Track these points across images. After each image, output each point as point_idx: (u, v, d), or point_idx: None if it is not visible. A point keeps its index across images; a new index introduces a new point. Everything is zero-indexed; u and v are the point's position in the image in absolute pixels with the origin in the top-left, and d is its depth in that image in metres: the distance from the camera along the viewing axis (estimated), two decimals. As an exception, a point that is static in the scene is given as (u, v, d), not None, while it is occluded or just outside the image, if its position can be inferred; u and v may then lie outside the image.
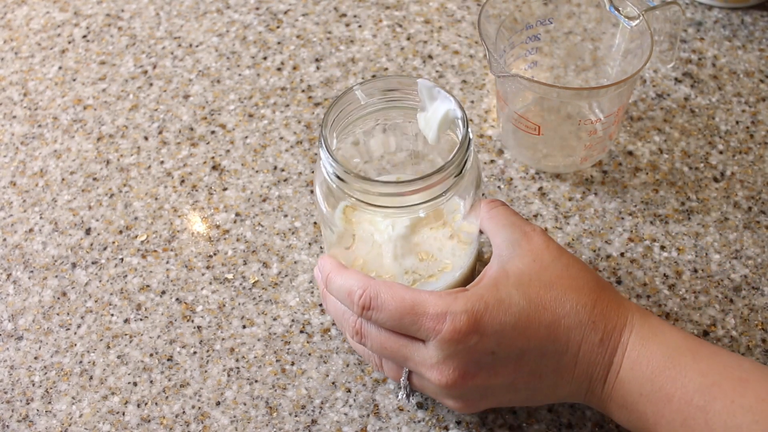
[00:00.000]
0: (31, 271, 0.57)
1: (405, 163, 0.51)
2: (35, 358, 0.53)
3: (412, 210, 0.42)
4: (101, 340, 0.54)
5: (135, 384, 0.52)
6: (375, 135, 0.49)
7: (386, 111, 0.46)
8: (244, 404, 0.50)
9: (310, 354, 0.52)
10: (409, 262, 0.47)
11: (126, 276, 0.56)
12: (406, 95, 0.45)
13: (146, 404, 0.51)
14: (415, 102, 0.45)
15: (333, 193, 0.44)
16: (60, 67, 0.69)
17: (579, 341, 0.42)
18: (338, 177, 0.41)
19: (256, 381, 0.51)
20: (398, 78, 0.45)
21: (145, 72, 0.68)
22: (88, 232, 0.59)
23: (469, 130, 0.42)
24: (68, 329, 0.54)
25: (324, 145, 0.41)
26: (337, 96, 0.44)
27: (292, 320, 0.54)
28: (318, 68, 0.67)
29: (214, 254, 0.57)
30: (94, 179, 0.62)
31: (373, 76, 0.66)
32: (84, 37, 0.71)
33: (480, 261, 0.56)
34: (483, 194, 0.59)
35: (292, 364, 0.52)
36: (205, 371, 0.52)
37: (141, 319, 0.54)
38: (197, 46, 0.69)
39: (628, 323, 0.43)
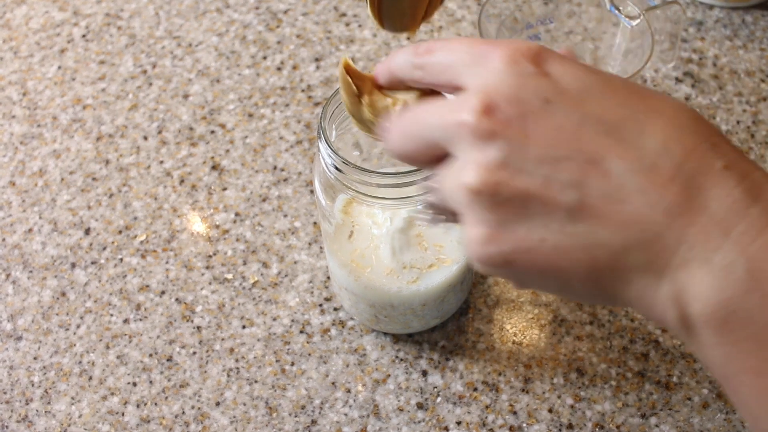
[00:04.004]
0: (31, 271, 0.57)
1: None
2: (34, 358, 0.53)
3: (411, 202, 0.42)
4: (101, 340, 0.54)
5: (134, 384, 0.52)
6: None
7: None
8: (244, 404, 0.50)
9: (309, 354, 0.52)
10: (407, 256, 0.47)
11: (125, 276, 0.56)
12: None
13: (146, 404, 0.51)
14: None
15: (332, 185, 0.44)
16: (59, 67, 0.69)
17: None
18: (337, 168, 0.41)
19: (256, 381, 0.51)
20: None
21: (145, 71, 0.68)
22: (87, 232, 0.59)
23: None
24: (67, 329, 0.54)
25: (323, 137, 0.42)
26: (336, 88, 0.44)
27: (292, 320, 0.54)
28: (318, 68, 0.67)
29: (214, 254, 0.57)
30: (94, 179, 0.61)
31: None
32: (83, 36, 0.71)
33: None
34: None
35: (292, 364, 0.52)
36: (205, 371, 0.52)
37: (140, 320, 0.54)
38: (197, 46, 0.69)
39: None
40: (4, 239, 0.59)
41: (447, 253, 0.48)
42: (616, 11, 0.54)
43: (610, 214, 0.27)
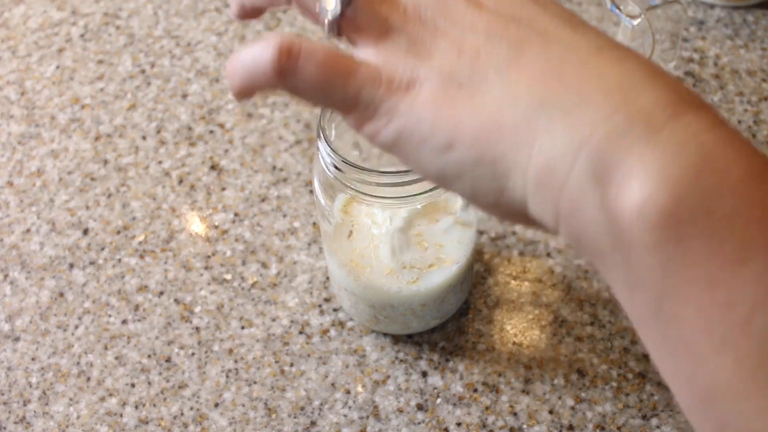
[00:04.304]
0: (29, 272, 0.57)
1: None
2: (32, 359, 0.53)
3: (410, 201, 0.42)
4: (99, 341, 0.53)
5: (133, 385, 0.51)
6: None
7: None
8: (243, 406, 0.50)
9: (309, 355, 0.52)
10: (407, 256, 0.47)
11: (124, 276, 0.56)
12: None
13: (144, 405, 0.51)
14: None
15: (331, 185, 0.44)
16: (57, 66, 0.68)
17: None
18: (336, 167, 0.41)
19: (255, 382, 0.51)
20: None
21: (143, 71, 0.67)
22: (85, 232, 0.58)
23: None
24: (66, 330, 0.54)
25: (322, 136, 0.41)
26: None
27: (291, 321, 0.53)
28: (317, 67, 0.67)
29: (213, 254, 0.57)
30: (92, 179, 0.61)
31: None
32: (82, 36, 0.71)
33: (478, 256, 0.55)
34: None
35: (291, 365, 0.52)
36: (204, 372, 0.52)
37: (139, 320, 0.54)
38: (196, 45, 0.69)
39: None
40: (1, 239, 0.59)
41: (447, 253, 0.48)
42: (617, 10, 0.54)
43: (537, 73, 0.24)
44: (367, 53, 0.27)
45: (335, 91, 0.26)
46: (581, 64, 0.24)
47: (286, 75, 0.26)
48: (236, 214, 0.59)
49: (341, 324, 0.53)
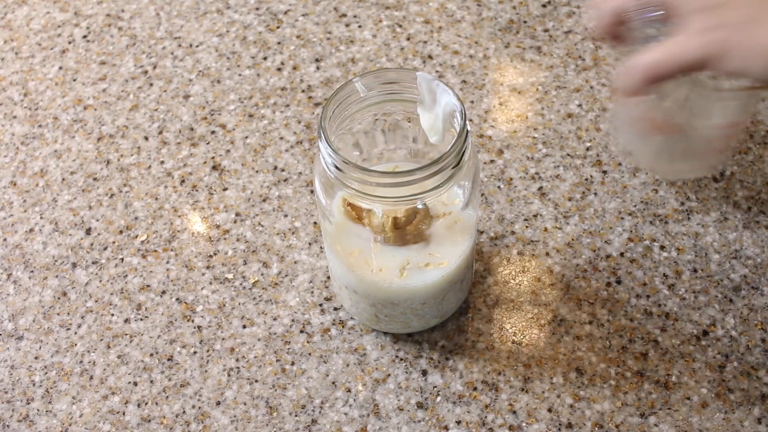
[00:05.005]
0: (32, 271, 0.57)
1: (405, 162, 0.51)
2: (36, 357, 0.53)
3: (410, 201, 0.42)
4: (101, 339, 0.54)
5: (135, 384, 0.52)
6: (374, 132, 0.49)
7: (385, 104, 0.46)
8: (244, 404, 0.51)
9: (310, 354, 0.52)
10: (408, 254, 0.47)
11: (126, 276, 0.56)
12: (406, 88, 0.45)
13: (146, 404, 0.51)
14: (414, 95, 0.45)
15: (332, 184, 0.44)
16: (60, 67, 0.69)
17: None
18: (336, 167, 0.42)
19: (256, 381, 0.51)
20: (398, 71, 0.45)
21: (146, 72, 0.68)
22: (88, 232, 0.59)
23: (467, 121, 0.42)
24: (68, 329, 0.54)
25: (323, 136, 0.42)
26: (337, 88, 0.44)
27: (292, 320, 0.54)
28: (318, 68, 0.67)
29: (214, 254, 0.57)
30: (95, 179, 0.62)
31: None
32: (84, 37, 0.71)
33: (478, 256, 0.56)
34: (482, 193, 0.59)
35: (292, 363, 0.52)
36: (206, 371, 0.52)
37: (141, 319, 0.54)
38: (197, 47, 0.69)
39: None
40: (5, 239, 0.59)
41: (448, 251, 0.48)
42: None
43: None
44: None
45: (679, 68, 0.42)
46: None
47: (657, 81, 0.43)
48: (237, 214, 0.59)
49: (342, 323, 0.54)
